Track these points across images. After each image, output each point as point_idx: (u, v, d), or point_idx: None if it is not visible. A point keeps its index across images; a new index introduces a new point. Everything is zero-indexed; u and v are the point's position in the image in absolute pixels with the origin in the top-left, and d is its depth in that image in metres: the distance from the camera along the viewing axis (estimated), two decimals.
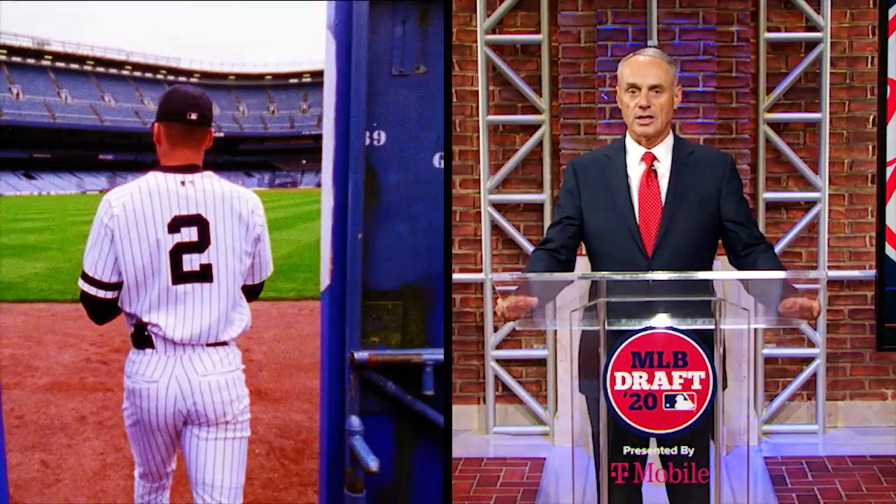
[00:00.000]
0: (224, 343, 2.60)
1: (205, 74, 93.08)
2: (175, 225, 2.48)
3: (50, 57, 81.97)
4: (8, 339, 7.87)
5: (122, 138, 78.69)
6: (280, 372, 6.60)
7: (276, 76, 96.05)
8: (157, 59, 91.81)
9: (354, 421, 2.89)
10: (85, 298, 2.57)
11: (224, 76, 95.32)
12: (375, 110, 2.88)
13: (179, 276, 2.49)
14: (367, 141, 2.88)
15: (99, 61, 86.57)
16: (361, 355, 2.88)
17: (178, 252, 2.48)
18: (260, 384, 6.08)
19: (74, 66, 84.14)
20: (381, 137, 2.91)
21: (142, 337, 2.53)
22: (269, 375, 6.42)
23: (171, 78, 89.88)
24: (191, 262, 2.49)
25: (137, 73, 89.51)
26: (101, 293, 2.53)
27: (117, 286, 2.53)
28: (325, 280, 2.88)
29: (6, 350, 7.40)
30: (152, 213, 2.46)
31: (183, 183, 2.50)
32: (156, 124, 2.60)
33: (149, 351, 2.53)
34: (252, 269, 2.68)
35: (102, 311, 2.60)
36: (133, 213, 2.46)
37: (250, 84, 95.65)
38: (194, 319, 2.52)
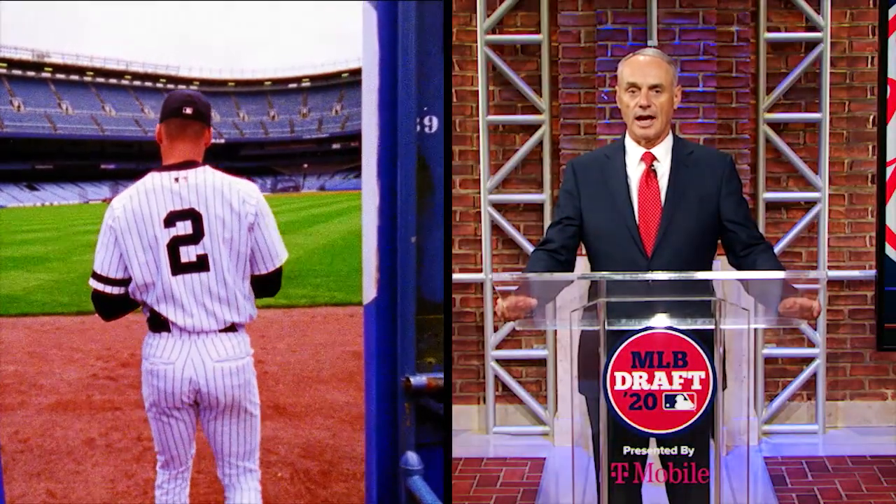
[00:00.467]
0: (234, 329, 2.74)
1: (204, 81, 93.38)
2: (170, 220, 2.65)
3: (50, 69, 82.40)
4: (11, 356, 7.60)
5: (124, 147, 79.01)
6: (297, 385, 6.34)
7: (274, 81, 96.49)
8: (157, 68, 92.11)
9: (412, 458, 2.54)
10: (95, 296, 2.77)
11: (223, 83, 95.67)
12: (426, 92, 2.56)
13: (178, 267, 2.66)
14: (418, 128, 2.55)
15: (98, 71, 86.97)
16: (419, 380, 2.52)
17: (174, 245, 2.65)
18: (277, 399, 5.80)
19: (74, 77, 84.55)
20: (433, 123, 2.59)
21: (158, 321, 2.71)
22: (286, 389, 6.14)
23: (170, 86, 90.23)
24: (187, 254, 2.66)
25: (137, 83, 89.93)
26: (109, 289, 2.73)
27: (124, 282, 2.73)
28: (369, 291, 2.53)
29: (9, 367, 7.14)
30: (149, 211, 2.65)
31: (177, 180, 2.67)
32: (158, 126, 2.77)
33: (164, 334, 2.71)
34: (254, 257, 2.75)
35: (111, 306, 2.79)
36: (132, 212, 2.66)
37: (249, 90, 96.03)
38: (197, 307, 2.68)
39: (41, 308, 10.65)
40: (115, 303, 2.77)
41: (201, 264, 2.66)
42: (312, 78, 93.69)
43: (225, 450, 2.85)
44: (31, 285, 12.84)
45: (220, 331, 2.71)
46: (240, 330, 2.78)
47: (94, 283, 2.74)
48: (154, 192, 2.66)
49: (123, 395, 6.04)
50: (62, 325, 9.31)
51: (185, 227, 2.65)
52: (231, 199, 2.67)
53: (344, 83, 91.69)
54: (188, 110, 2.72)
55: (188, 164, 2.70)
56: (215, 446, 2.86)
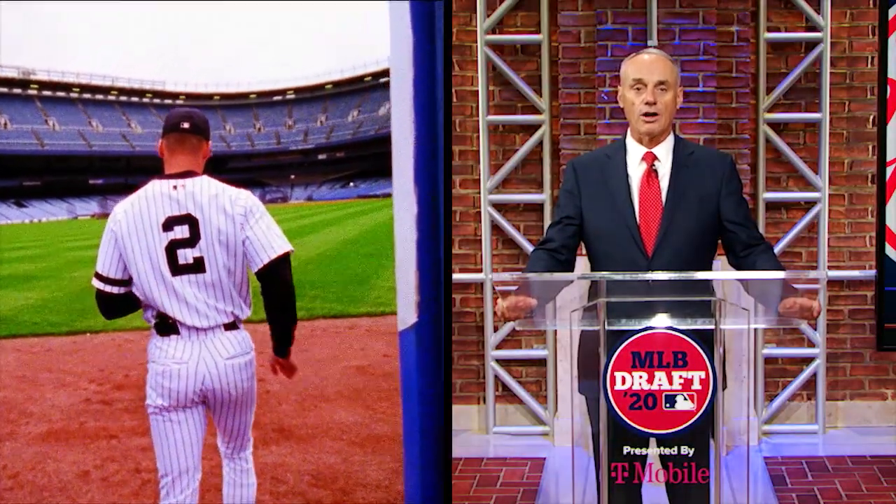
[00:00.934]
0: (236, 327, 2.90)
1: (190, 96, 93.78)
2: (168, 224, 2.80)
3: (36, 86, 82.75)
4: (0, 381, 7.25)
5: (111, 162, 79.30)
6: (302, 404, 5.98)
7: (259, 94, 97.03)
8: (143, 83, 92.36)
9: None
10: (98, 295, 2.92)
11: (209, 97, 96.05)
12: None
13: (177, 269, 2.80)
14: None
15: (85, 88, 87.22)
16: None
17: (172, 248, 2.79)
18: (282, 420, 5.48)
19: (61, 93, 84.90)
20: None
21: (165, 324, 2.83)
22: (290, 409, 5.81)
23: (156, 101, 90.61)
24: (184, 256, 2.79)
25: (123, 98, 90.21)
26: (109, 288, 2.88)
27: (123, 283, 2.87)
28: (408, 316, 2.23)
29: None
30: (149, 216, 2.80)
31: (175, 187, 2.83)
32: (160, 141, 2.95)
33: (174, 337, 2.83)
34: (248, 254, 2.86)
35: (112, 305, 2.93)
36: (133, 217, 2.81)
37: (235, 103, 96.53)
38: (199, 305, 2.81)
39: (31, 329, 10.22)
40: (116, 302, 2.92)
41: (198, 266, 2.80)
42: (297, 90, 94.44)
43: (231, 432, 3.06)
44: (19, 305, 12.33)
45: (226, 328, 2.86)
46: (241, 327, 2.93)
47: (95, 283, 2.90)
48: (154, 199, 2.82)
49: (119, 421, 5.75)
50: (53, 347, 8.95)
51: (182, 231, 2.79)
52: (224, 204, 2.82)
53: (328, 94, 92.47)
54: (185, 125, 2.90)
55: (187, 174, 2.86)
56: (219, 426, 3.05)
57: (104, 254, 2.87)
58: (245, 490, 3.15)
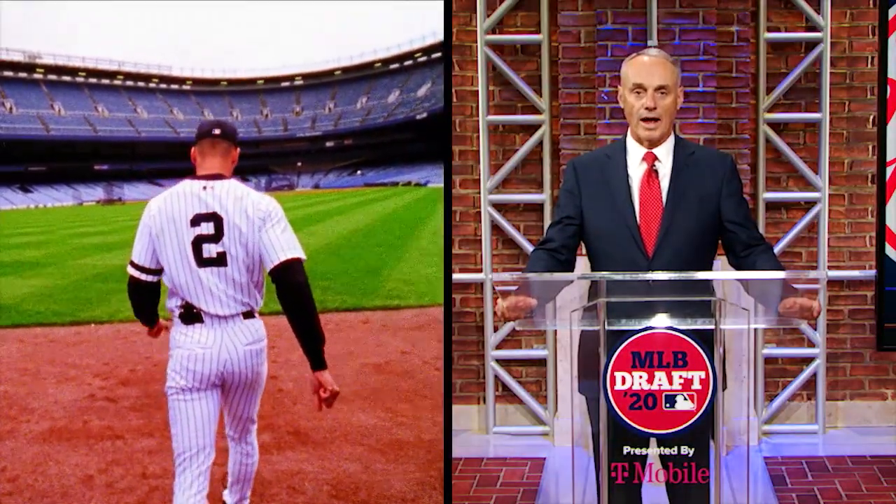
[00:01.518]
0: (252, 315, 3.14)
1: (197, 81, 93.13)
2: (196, 220, 3.04)
3: (42, 70, 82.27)
4: (1, 374, 6.91)
5: (117, 148, 78.90)
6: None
7: (267, 80, 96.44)
8: (149, 68, 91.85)
9: None
10: (131, 283, 3.19)
11: (216, 82, 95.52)
12: None
13: (202, 261, 3.04)
14: None
15: (91, 72, 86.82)
16: None
17: (198, 242, 3.04)
18: (297, 422, 5.13)
19: (66, 77, 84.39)
20: None
21: (191, 314, 3.08)
22: (305, 410, 5.39)
23: (163, 86, 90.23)
24: (209, 251, 3.03)
25: (130, 83, 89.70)
26: (144, 276, 3.14)
27: (156, 272, 3.14)
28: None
29: None
30: (179, 212, 3.06)
31: (204, 188, 3.08)
32: (192, 149, 3.20)
33: (198, 325, 3.07)
34: (262, 255, 3.06)
35: (142, 293, 3.19)
36: (165, 212, 3.08)
37: (242, 89, 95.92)
38: (221, 296, 3.05)
39: (34, 318, 9.83)
40: (147, 289, 3.18)
41: (220, 260, 3.03)
42: (305, 76, 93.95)
43: (241, 414, 3.31)
44: (23, 293, 11.89)
45: (244, 317, 3.10)
46: (256, 316, 3.17)
47: (130, 270, 3.18)
48: (185, 196, 3.07)
49: (124, 419, 5.44)
50: (56, 338, 8.59)
51: (208, 228, 3.04)
52: (246, 207, 3.05)
53: (336, 81, 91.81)
54: (217, 131, 3.18)
55: (216, 177, 3.12)
56: (230, 412, 3.28)
57: (139, 245, 3.13)
58: (247, 468, 3.45)
